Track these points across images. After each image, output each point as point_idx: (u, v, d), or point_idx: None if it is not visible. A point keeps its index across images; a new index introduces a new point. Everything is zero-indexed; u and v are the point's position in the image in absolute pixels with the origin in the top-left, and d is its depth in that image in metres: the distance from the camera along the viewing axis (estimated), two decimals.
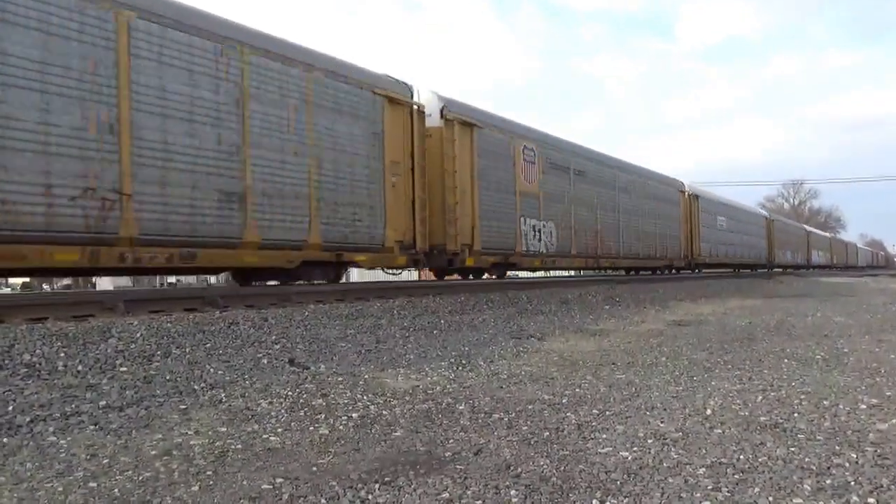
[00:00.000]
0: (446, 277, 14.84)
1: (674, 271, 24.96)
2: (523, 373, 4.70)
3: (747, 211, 35.68)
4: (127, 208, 7.51)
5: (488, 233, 13.59)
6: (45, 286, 22.92)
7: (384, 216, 11.13)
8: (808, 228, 54.36)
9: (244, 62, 8.87)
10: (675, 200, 24.31)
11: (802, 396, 3.79)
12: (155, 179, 7.77)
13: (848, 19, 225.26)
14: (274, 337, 5.81)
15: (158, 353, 4.88)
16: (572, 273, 17.11)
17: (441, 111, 12.59)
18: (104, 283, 22.29)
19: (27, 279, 20.52)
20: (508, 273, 15.99)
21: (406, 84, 12.04)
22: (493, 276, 14.95)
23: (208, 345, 5.28)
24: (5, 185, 6.49)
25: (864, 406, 3.53)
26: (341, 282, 10.75)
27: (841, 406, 3.53)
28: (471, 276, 14.55)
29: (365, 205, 10.76)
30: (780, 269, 39.03)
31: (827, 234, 64.25)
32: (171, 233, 7.95)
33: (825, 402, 3.63)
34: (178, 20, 8.22)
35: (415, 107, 12.01)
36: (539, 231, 15.36)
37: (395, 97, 11.56)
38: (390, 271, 12.28)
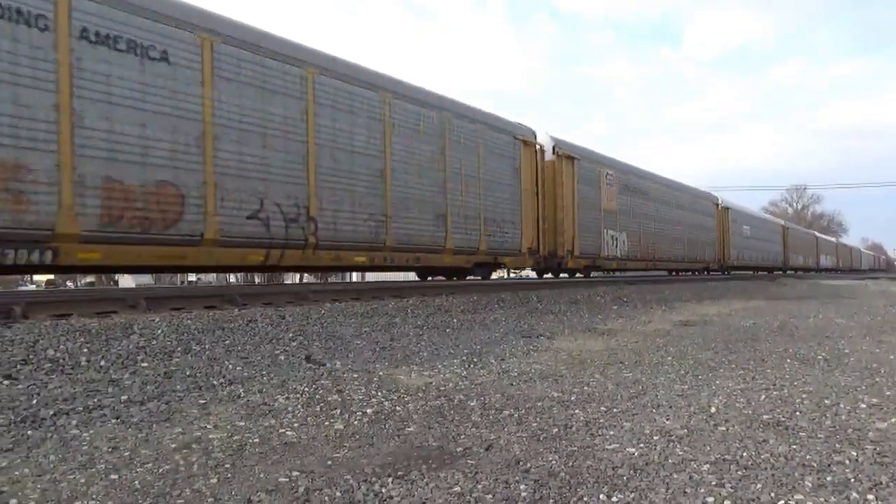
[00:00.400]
0: (544, 276, 18.32)
1: (707, 273, 28.17)
2: (533, 371, 4.73)
3: (767, 220, 40.84)
4: (388, 227, 11.24)
5: (582, 242, 17.37)
6: (68, 283, 23.18)
7: (520, 229, 14.98)
8: (818, 234, 57.99)
9: (447, 122, 12.79)
10: (711, 213, 28.43)
11: (804, 395, 3.82)
12: (401, 207, 11.53)
13: (852, 29, 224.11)
14: (291, 334, 5.88)
15: (179, 349, 4.96)
16: (580, 275, 19.95)
17: (553, 148, 16.52)
18: (126, 282, 22.55)
19: (51, 276, 20.87)
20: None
21: (532, 129, 15.93)
22: (583, 276, 18.53)
23: (227, 341, 5.35)
24: (336, 214, 10.28)
25: (864, 405, 3.56)
26: (354, 281, 12.20)
27: (841, 405, 3.56)
28: (562, 275, 18.12)
29: (509, 221, 14.59)
30: (793, 272, 41.33)
31: (833, 240, 67.38)
32: (408, 242, 11.69)
33: (826, 402, 3.65)
34: (412, 96, 12.12)
35: (538, 146, 15.98)
36: (615, 240, 19.24)
37: (527, 140, 15.50)
38: (514, 271, 16.51)
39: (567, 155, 16.92)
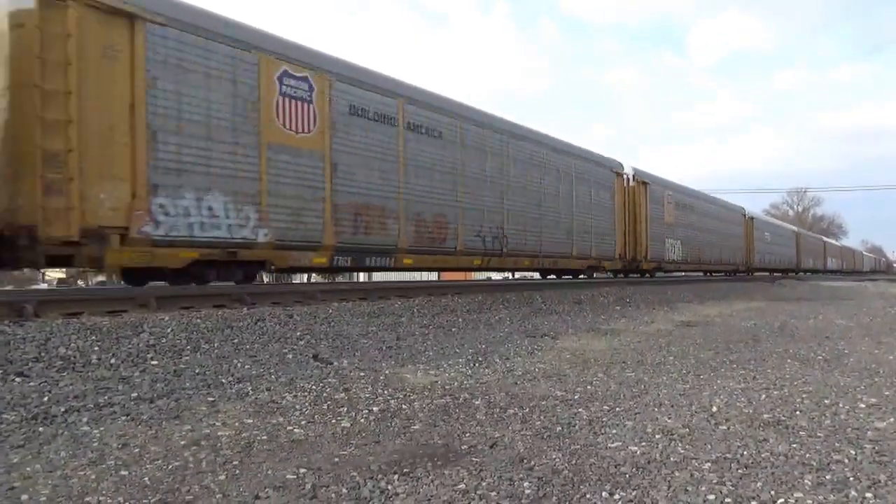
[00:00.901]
0: (619, 276, 22.61)
1: (735, 274, 32.51)
2: (537, 370, 4.75)
3: (783, 227, 46.19)
4: (542, 241, 15.91)
5: (652, 249, 22.07)
6: (80, 282, 23.39)
7: (615, 240, 19.75)
8: (825, 239, 63.59)
9: (573, 163, 17.61)
10: (740, 222, 33.45)
11: (804, 395, 3.83)
12: (548, 227, 16.27)
13: (852, 35, 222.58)
14: (299, 333, 5.91)
15: (188, 347, 5.00)
16: (648, 275, 23.79)
17: (633, 176, 21.18)
18: None
19: (62, 275, 21.09)
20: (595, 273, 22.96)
21: (621, 163, 20.57)
22: (651, 275, 23.51)
23: (236, 340, 5.39)
24: (516, 233, 14.82)
25: (863, 405, 3.57)
26: (362, 281, 12.88)
27: (841, 405, 3.58)
28: (630, 275, 22.50)
29: (608, 234, 19.34)
30: (803, 273, 45.81)
31: (838, 244, 72.67)
32: (551, 251, 16.39)
33: (826, 401, 3.67)
34: (556, 147, 17.04)
35: (625, 175, 20.73)
36: (674, 246, 24.03)
37: (619, 172, 20.33)
38: (603, 272, 20.42)
39: (642, 181, 21.76)
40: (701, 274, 29.40)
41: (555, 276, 18.78)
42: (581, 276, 18.81)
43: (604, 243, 18.98)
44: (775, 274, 38.17)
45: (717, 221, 29.54)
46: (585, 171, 18.13)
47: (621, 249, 20.04)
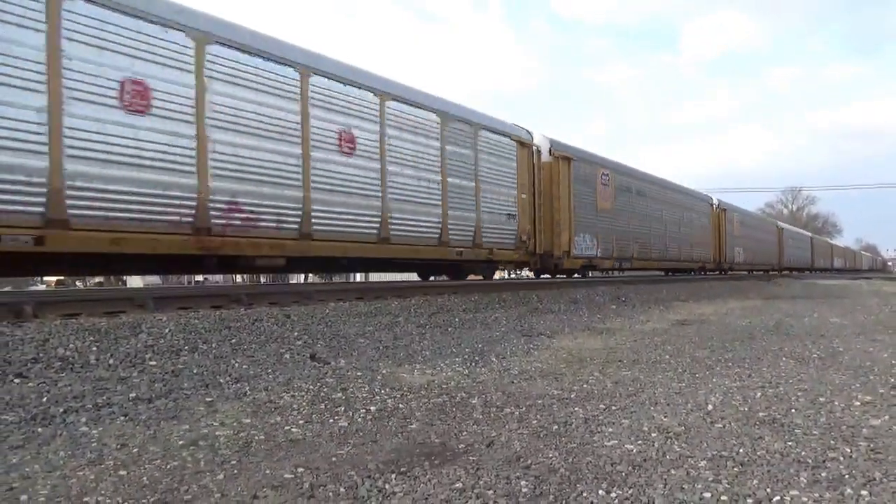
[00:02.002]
0: (710, 273, 31.14)
1: (769, 272, 41.21)
2: (533, 369, 4.76)
3: (801, 233, 57.28)
4: (682, 251, 26.20)
5: (728, 254, 31.61)
6: (77, 283, 23.40)
7: (710, 249, 28.77)
8: (832, 242, 75.54)
9: (686, 201, 27.07)
10: (774, 232, 43.86)
11: (799, 393, 3.84)
12: (681, 241, 25.88)
13: (845, 33, 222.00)
14: (296, 333, 5.89)
15: (186, 347, 4.98)
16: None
17: (717, 205, 30.56)
18: (135, 282, 22.74)
19: (62, 277, 21.28)
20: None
21: (710, 196, 30.78)
22: (726, 273, 31.77)
23: (233, 340, 5.36)
24: (671, 246, 25.57)
25: (858, 403, 3.57)
26: (357, 281, 13.27)
27: (836, 402, 3.58)
28: (701, 273, 29.61)
29: (706, 245, 28.89)
30: (817, 271, 56.01)
31: (841, 245, 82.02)
32: (682, 257, 26.14)
33: (821, 399, 3.67)
34: (678, 189, 27.46)
35: (713, 205, 30.16)
36: (739, 252, 33.43)
37: (711, 203, 30.17)
38: (701, 271, 29.56)
39: (723, 208, 31.56)
40: (745, 273, 36.93)
41: (671, 273, 27.37)
42: (691, 273, 27.79)
43: (704, 251, 28.62)
44: (794, 272, 46.58)
45: (762, 233, 39.77)
46: (693, 204, 27.84)
47: (713, 255, 29.88)
